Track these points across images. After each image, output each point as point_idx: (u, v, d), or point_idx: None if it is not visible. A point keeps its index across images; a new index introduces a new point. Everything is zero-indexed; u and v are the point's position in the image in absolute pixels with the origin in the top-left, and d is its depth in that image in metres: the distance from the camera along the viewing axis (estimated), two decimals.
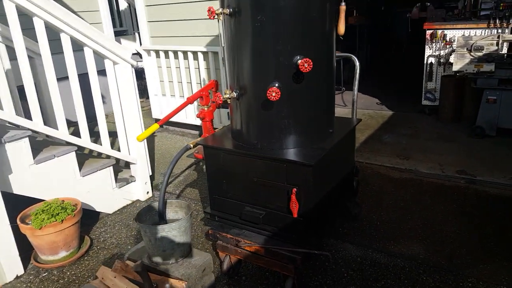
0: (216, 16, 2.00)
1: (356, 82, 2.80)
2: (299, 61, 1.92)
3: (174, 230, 2.23)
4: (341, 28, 2.21)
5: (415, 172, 3.78)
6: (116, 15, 7.50)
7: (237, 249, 2.36)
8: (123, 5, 7.35)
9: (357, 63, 2.72)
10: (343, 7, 2.26)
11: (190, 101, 2.44)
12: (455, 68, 4.28)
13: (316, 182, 2.07)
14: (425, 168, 3.83)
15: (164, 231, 2.21)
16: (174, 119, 5.45)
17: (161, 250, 2.24)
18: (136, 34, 7.43)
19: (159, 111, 5.61)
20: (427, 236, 2.82)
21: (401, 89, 6.66)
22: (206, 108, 2.55)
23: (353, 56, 2.69)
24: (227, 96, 2.15)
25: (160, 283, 2.16)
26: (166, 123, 5.74)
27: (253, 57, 2.06)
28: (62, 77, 3.17)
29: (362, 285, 2.40)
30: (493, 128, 4.30)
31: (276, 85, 2.01)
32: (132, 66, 3.40)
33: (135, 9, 7.17)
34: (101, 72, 3.32)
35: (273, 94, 1.94)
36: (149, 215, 2.47)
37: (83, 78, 3.20)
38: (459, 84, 4.72)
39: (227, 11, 2.01)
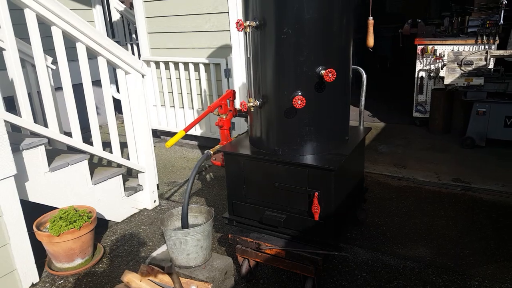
0: (243, 29, 2.11)
1: (363, 93, 2.96)
2: (323, 71, 2.06)
3: (198, 234, 2.30)
4: (370, 41, 2.35)
5: (413, 180, 3.96)
6: (108, 25, 7.54)
7: (258, 253, 2.44)
8: (115, 16, 7.41)
9: (364, 75, 2.89)
10: (371, 21, 2.41)
11: (211, 109, 2.54)
12: (447, 81, 4.53)
13: (336, 186, 2.19)
14: (422, 176, 4.01)
15: (189, 235, 2.27)
16: (172, 129, 5.55)
17: (185, 254, 2.30)
18: (129, 45, 7.49)
19: (158, 122, 5.66)
20: (431, 239, 2.97)
21: (389, 103, 6.92)
22: (224, 117, 2.65)
23: (360, 68, 2.85)
24: (251, 104, 2.26)
25: (186, 285, 2.21)
26: (165, 134, 5.81)
27: (277, 67, 2.18)
28: (59, 87, 3.14)
29: (376, 285, 2.51)
30: (483, 139, 4.54)
31: (300, 93, 2.14)
32: (143, 76, 3.48)
33: (127, 20, 7.29)
34: (95, 83, 3.31)
35: (299, 102, 2.07)
36: (170, 220, 2.53)
37: (78, 88, 3.17)
38: (449, 97, 4.98)
39: (253, 23, 2.13)
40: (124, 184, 3.64)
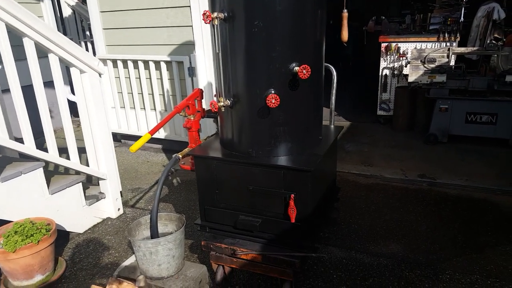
0: (211, 21, 2.00)
1: (334, 91, 2.93)
2: (297, 68, 1.99)
3: (170, 243, 2.16)
4: (345, 35, 2.30)
5: (381, 178, 4.02)
6: (59, 21, 7.02)
7: (233, 259, 2.34)
8: (67, 11, 6.90)
9: (334, 73, 2.86)
10: (345, 14, 2.36)
11: (178, 110, 2.40)
12: (411, 79, 4.64)
13: (312, 187, 2.14)
14: (389, 174, 4.08)
15: (160, 244, 2.13)
16: (133, 133, 5.32)
17: (156, 264, 2.16)
18: (83, 43, 7.10)
19: (117, 124, 5.40)
20: (402, 235, 3.00)
21: (353, 102, 7.04)
22: (192, 118, 2.53)
23: (330, 66, 2.82)
24: (222, 104, 2.16)
25: None
26: (126, 138, 5.55)
27: (248, 63, 2.09)
28: (6, 89, 2.88)
29: (351, 284, 2.49)
30: (445, 135, 4.70)
31: (273, 91, 2.06)
32: (100, 74, 3.28)
33: (80, 16, 6.88)
34: (47, 85, 3.06)
35: (273, 101, 1.99)
36: (138, 230, 2.38)
37: (29, 90, 2.87)
38: (412, 95, 5.12)
39: (221, 15, 2.02)
40: (84, 193, 3.40)
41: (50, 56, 2.93)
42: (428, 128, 4.79)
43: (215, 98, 2.32)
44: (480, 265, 2.60)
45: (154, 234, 2.27)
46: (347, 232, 3.08)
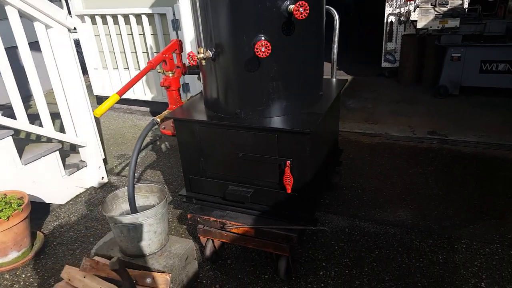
0: None
1: (336, 39, 2.55)
2: (292, 6, 1.61)
3: (149, 218, 1.89)
4: None
5: (386, 136, 3.70)
6: None
7: (223, 232, 2.08)
8: None
9: (337, 17, 2.46)
10: None
11: (152, 65, 2.03)
12: (420, 25, 4.19)
13: (312, 152, 1.83)
14: (395, 131, 3.76)
15: (138, 220, 1.86)
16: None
17: (136, 241, 1.90)
18: (63, 0, 6.53)
19: (101, 86, 5.01)
20: (411, 200, 2.73)
21: (355, 54, 6.58)
22: (171, 75, 2.16)
23: (331, 8, 2.41)
24: (202, 56, 1.79)
25: (139, 278, 1.84)
26: None
27: (232, 3, 1.70)
28: None
29: (355, 257, 2.25)
30: (456, 87, 4.33)
31: (263, 38, 1.69)
32: (69, 30, 2.87)
33: None
34: (33, 46, 2.74)
35: (263, 49, 1.63)
36: (115, 203, 2.10)
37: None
38: (421, 43, 4.69)
39: None
40: (64, 161, 3.12)
41: (8, 9, 2.52)
42: (438, 80, 4.41)
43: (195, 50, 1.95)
44: (500, 232, 2.34)
45: (132, 209, 1.99)
46: (349, 197, 2.81)
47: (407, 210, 2.64)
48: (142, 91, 4.76)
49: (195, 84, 4.26)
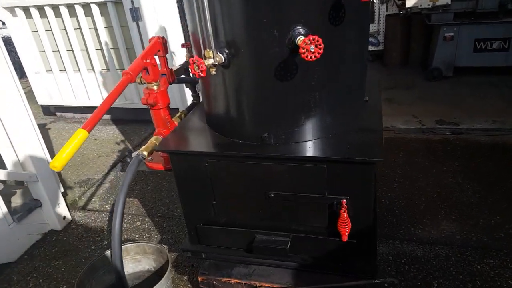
0: None
1: None
2: None
3: None
4: None
5: (394, 130, 3.29)
6: None
7: None
8: None
9: None
10: None
11: (130, 77, 1.41)
12: (409, 3, 3.79)
13: (375, 184, 1.32)
14: (401, 123, 3.36)
15: None
16: (70, 103, 4.14)
17: None
18: None
19: (47, 94, 4.18)
20: (449, 208, 2.33)
21: None
22: (156, 87, 1.54)
23: None
24: (212, 62, 1.20)
25: None
26: (62, 110, 4.37)
27: None
28: None
29: None
30: (450, 68, 4.03)
31: (302, 31, 1.13)
32: None
33: None
34: None
35: (312, 49, 1.07)
36: (94, 278, 1.47)
37: None
38: (406, 24, 4.31)
39: None
40: (9, 204, 2.40)
41: None
42: (429, 61, 4.09)
43: (194, 53, 1.34)
44: None
45: (123, 284, 1.39)
46: (379, 212, 2.36)
47: (449, 221, 2.23)
48: (99, 96, 4.00)
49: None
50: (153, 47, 1.51)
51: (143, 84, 1.55)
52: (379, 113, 1.48)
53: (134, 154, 1.45)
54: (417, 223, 2.24)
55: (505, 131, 3.02)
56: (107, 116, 4.24)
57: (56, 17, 3.68)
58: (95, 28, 3.62)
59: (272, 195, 1.37)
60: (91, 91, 3.99)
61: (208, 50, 1.20)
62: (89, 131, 1.20)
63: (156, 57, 1.56)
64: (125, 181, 1.36)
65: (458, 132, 3.11)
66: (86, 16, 3.57)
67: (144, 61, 1.46)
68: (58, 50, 3.88)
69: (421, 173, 2.67)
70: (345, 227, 1.33)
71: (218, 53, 1.23)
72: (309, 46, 1.06)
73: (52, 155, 3.51)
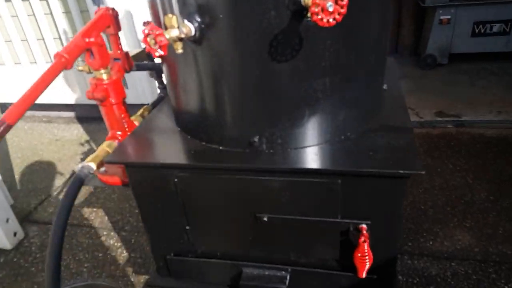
0: None
1: None
2: None
3: None
4: None
5: None
6: None
7: None
8: None
9: None
10: None
11: (64, 62, 1.02)
12: None
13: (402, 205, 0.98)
14: None
15: None
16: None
17: None
18: None
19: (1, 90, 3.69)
20: (461, 214, 2.04)
21: None
22: (105, 76, 1.15)
23: None
24: (175, 34, 0.83)
25: None
26: None
27: None
28: None
29: None
30: (445, 55, 3.74)
31: None
32: None
33: None
34: None
35: (330, 7, 0.71)
36: None
37: None
38: (395, 7, 4.00)
39: None
40: None
41: None
42: (421, 48, 3.81)
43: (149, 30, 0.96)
44: None
45: None
46: None
47: (464, 230, 1.94)
48: (61, 91, 3.53)
49: (138, 76, 3.15)
50: (99, 22, 1.12)
51: (88, 72, 1.16)
52: (403, 106, 1.14)
53: (77, 167, 1.07)
54: (426, 233, 1.94)
55: (510, 122, 2.76)
56: (70, 114, 3.79)
57: (6, 1, 3.20)
58: (51, 14, 3.16)
59: (265, 219, 1.02)
60: (52, 84, 3.51)
61: (169, 15, 0.83)
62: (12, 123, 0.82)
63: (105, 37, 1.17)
64: (60, 212, 0.97)
65: (460, 125, 2.83)
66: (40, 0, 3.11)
67: (86, 39, 1.06)
68: (11, 40, 3.40)
69: (426, 174, 2.37)
70: (364, 260, 0.99)
71: (186, 21, 0.86)
72: (326, 2, 0.70)
73: (6, 156, 3.07)
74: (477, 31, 3.57)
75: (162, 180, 1.04)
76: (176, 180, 1.02)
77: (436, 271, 1.73)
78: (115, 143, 1.16)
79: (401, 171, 0.87)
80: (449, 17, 3.53)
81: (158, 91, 1.50)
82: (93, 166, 1.06)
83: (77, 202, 2.45)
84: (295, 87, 0.91)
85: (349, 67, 0.93)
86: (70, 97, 3.53)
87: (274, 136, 0.97)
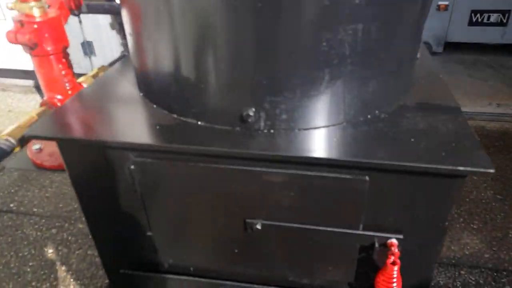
0: None
1: None
2: None
3: None
4: None
5: None
6: None
7: None
8: None
9: None
10: None
11: None
12: None
13: None
14: None
15: None
16: None
17: None
18: None
19: None
20: (468, 215, 1.83)
21: None
22: (38, 12, 0.82)
23: None
24: None
25: None
26: None
27: None
28: None
29: None
30: (441, 43, 3.55)
31: None
32: None
33: None
34: None
35: None
36: None
37: None
38: None
39: None
40: None
41: None
42: None
43: None
44: None
45: None
46: None
47: (471, 232, 1.72)
48: (18, 55, 3.07)
49: (107, 41, 2.73)
50: None
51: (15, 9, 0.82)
52: (440, 80, 0.87)
53: None
54: None
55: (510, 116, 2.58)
56: (28, 82, 3.36)
57: None
58: None
59: (257, 226, 0.73)
60: (6, 48, 3.07)
61: None
62: None
63: None
64: None
65: None
66: None
67: None
68: None
69: None
70: (391, 287, 0.72)
71: None
72: None
73: None
74: (474, 19, 3.38)
75: (111, 166, 0.72)
76: (132, 167, 0.71)
77: (445, 280, 1.51)
78: (50, 111, 0.84)
79: (461, 168, 0.59)
80: (447, 3, 3.32)
81: (122, 49, 1.16)
82: (13, 140, 0.74)
83: (26, 185, 2.09)
84: (313, 36, 0.61)
85: (392, 11, 0.64)
86: (28, 63, 3.10)
87: (277, 109, 0.67)
